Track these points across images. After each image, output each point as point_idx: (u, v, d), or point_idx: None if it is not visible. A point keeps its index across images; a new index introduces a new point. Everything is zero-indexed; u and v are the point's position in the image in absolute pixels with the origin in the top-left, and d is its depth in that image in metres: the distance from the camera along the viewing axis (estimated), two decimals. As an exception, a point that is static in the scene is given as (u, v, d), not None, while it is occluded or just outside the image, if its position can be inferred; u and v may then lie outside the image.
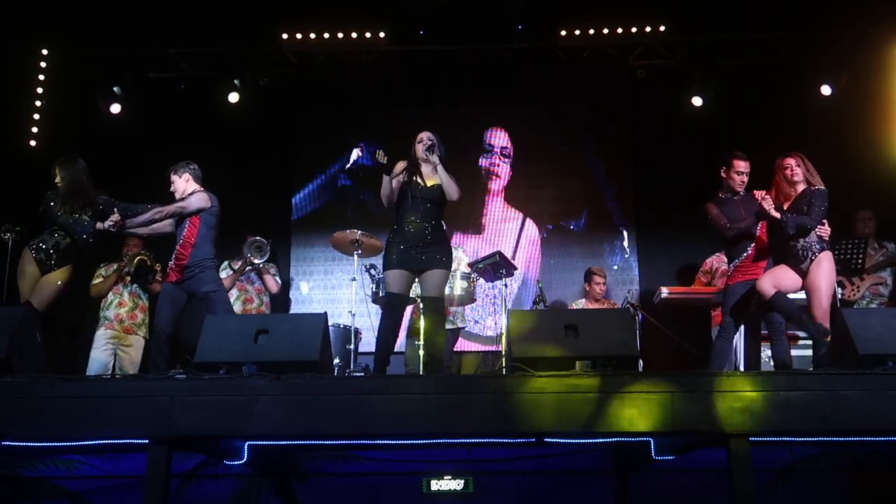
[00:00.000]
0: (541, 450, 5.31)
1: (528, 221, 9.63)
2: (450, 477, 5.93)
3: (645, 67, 9.23)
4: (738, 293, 6.01)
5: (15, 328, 5.04)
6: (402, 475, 5.91)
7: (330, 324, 5.70)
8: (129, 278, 7.33)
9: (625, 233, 9.51)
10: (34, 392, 4.63)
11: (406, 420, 4.50)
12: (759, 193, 5.99)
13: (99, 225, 6.27)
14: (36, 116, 8.89)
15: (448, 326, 7.44)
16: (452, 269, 7.22)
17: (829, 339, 5.39)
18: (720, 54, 9.06)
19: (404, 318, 7.49)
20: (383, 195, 5.84)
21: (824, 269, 5.67)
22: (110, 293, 7.40)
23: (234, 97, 9.06)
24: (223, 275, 7.77)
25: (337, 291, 9.29)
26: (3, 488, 5.70)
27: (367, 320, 7.65)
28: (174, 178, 6.29)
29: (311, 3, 8.96)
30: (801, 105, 8.86)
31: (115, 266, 7.42)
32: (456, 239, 9.01)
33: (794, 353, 6.95)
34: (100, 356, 7.29)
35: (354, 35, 9.08)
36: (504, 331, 6.84)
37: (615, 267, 9.38)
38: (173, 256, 6.11)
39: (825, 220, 5.85)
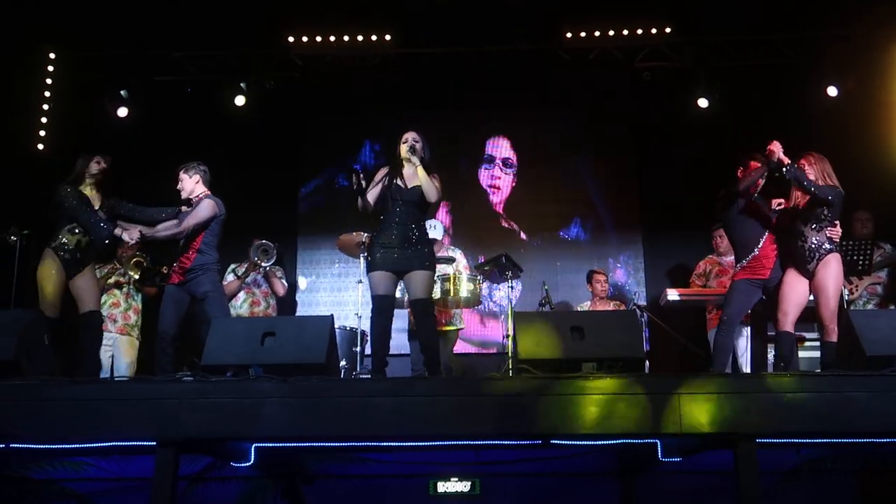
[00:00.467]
0: (547, 451, 5.30)
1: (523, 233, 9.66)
2: (456, 479, 5.93)
3: (651, 69, 9.22)
4: (742, 289, 6.01)
5: (23, 331, 5.06)
6: (408, 477, 5.92)
7: (336, 326, 5.71)
8: (136, 283, 7.32)
9: (631, 235, 9.52)
10: (42, 394, 4.64)
11: (412, 422, 4.51)
12: (776, 202, 6.05)
13: (117, 231, 6.26)
14: (43, 120, 8.91)
15: (448, 328, 7.48)
16: (453, 269, 7.26)
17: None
18: (726, 55, 9.05)
19: (405, 321, 7.57)
20: (359, 207, 5.85)
21: (832, 269, 5.66)
22: (104, 294, 7.29)
23: (240, 100, 9.08)
24: (228, 279, 7.80)
25: (343, 294, 9.31)
26: (11, 490, 5.71)
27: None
28: (183, 176, 6.29)
29: (316, 6, 8.96)
30: (807, 106, 8.86)
31: (107, 268, 7.38)
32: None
33: (801, 354, 6.96)
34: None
35: (360, 38, 9.10)
36: (509, 333, 6.85)
37: (621, 269, 9.38)
38: (178, 259, 6.13)
39: (837, 222, 5.86)
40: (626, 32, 9.06)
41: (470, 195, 9.70)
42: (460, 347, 8.34)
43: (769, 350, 6.25)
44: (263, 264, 7.71)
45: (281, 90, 9.44)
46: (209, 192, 6.29)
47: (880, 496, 5.68)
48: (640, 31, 9.06)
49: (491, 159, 9.86)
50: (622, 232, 9.58)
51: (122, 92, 9.04)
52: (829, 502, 5.78)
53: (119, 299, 7.43)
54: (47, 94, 8.99)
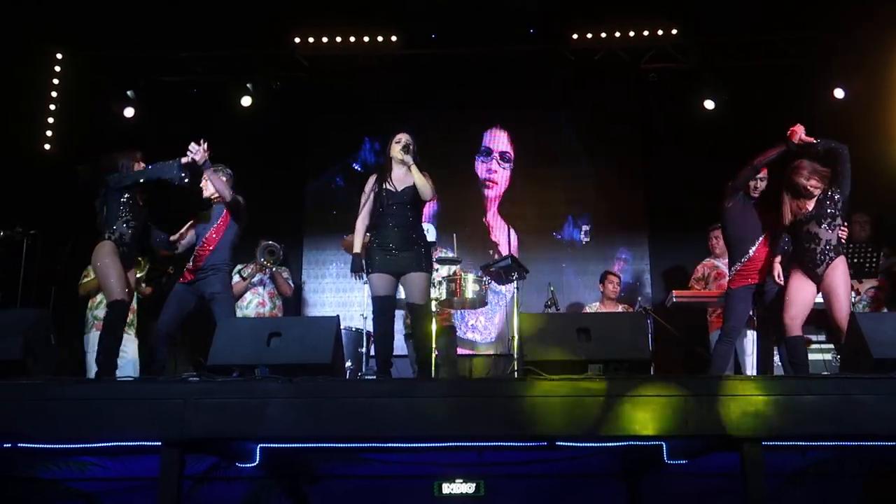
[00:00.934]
0: (552, 453, 5.30)
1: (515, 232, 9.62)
2: (461, 480, 5.92)
3: (656, 70, 9.21)
4: (740, 297, 6.01)
5: (28, 330, 5.06)
6: (413, 478, 5.90)
7: (342, 327, 5.71)
8: (145, 287, 7.32)
9: (637, 236, 9.51)
10: (48, 394, 4.64)
11: (418, 423, 4.50)
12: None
13: (189, 157, 5.96)
14: (50, 120, 8.93)
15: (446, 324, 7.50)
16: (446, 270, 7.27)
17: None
18: (732, 57, 9.05)
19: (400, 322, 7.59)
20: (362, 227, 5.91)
21: (841, 272, 5.64)
22: (99, 293, 7.21)
23: (246, 101, 9.10)
24: (234, 279, 7.79)
25: (349, 294, 9.31)
26: (18, 489, 5.71)
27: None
28: (212, 177, 6.18)
29: (322, 6, 8.97)
30: (812, 107, 8.83)
31: None
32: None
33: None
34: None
35: (366, 39, 9.11)
36: (514, 334, 6.85)
37: (627, 270, 9.37)
38: (192, 257, 6.12)
39: (845, 224, 5.86)
40: (632, 34, 9.07)
41: (470, 194, 9.70)
42: (465, 349, 8.37)
43: (774, 352, 6.24)
44: (269, 265, 7.72)
45: (286, 90, 9.46)
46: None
47: (886, 499, 5.66)
48: (646, 33, 9.07)
49: (488, 152, 9.85)
50: (628, 233, 9.57)
51: (128, 92, 9.07)
52: (836, 505, 5.76)
53: None
54: (54, 94, 9.02)
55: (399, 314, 7.91)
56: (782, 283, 5.81)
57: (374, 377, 6.18)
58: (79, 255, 6.79)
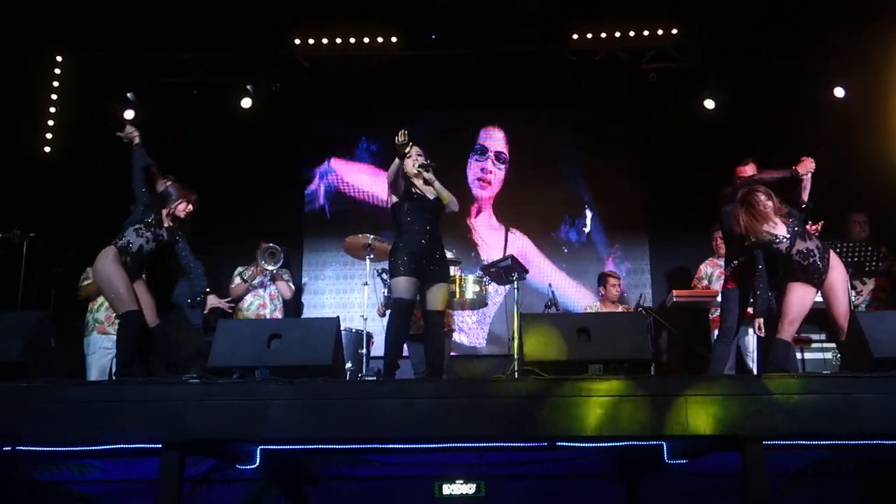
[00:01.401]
0: (552, 453, 5.31)
1: (513, 233, 9.60)
2: (461, 481, 5.92)
3: (657, 70, 9.21)
4: (734, 298, 6.02)
5: (29, 332, 5.07)
6: (413, 479, 5.91)
7: (342, 328, 5.71)
8: None
9: (637, 236, 9.51)
10: (49, 396, 4.65)
11: (418, 424, 4.50)
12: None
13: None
14: (50, 122, 8.92)
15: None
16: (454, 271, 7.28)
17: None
18: (732, 56, 9.04)
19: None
20: (389, 174, 5.83)
21: (838, 270, 5.64)
22: (100, 296, 7.11)
23: (246, 102, 9.09)
24: (236, 282, 7.81)
25: (349, 296, 9.31)
26: (20, 491, 5.72)
27: (380, 324, 7.64)
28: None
29: (322, 7, 8.97)
30: (812, 107, 8.84)
31: None
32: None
33: (807, 356, 6.95)
34: (99, 361, 7.18)
35: (366, 40, 9.10)
36: (514, 335, 6.85)
37: (627, 270, 9.37)
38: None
39: (818, 223, 5.92)
40: (632, 34, 9.03)
41: (470, 196, 9.71)
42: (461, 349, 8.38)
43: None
44: (269, 267, 7.72)
45: (286, 91, 9.45)
46: None
47: (885, 498, 5.66)
48: (646, 33, 9.04)
49: (483, 151, 9.80)
50: (628, 233, 9.56)
51: (129, 94, 9.05)
52: (836, 504, 5.76)
53: None
54: (54, 96, 9.00)
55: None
56: (763, 335, 5.74)
57: (374, 378, 6.18)
58: (81, 258, 6.79)
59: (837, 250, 6.30)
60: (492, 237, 9.60)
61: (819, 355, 7.10)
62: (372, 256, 7.31)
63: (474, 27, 9.02)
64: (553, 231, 9.60)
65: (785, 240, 5.60)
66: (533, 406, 4.48)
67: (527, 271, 7.33)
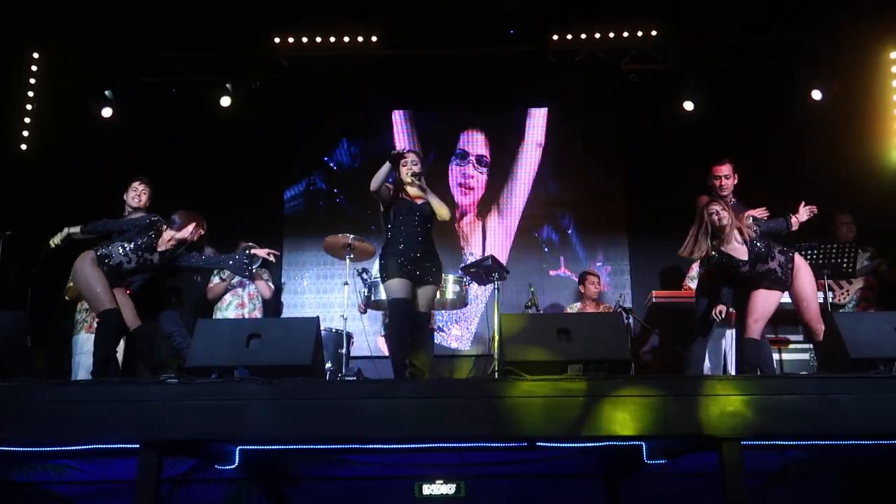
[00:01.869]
0: (532, 454, 5.30)
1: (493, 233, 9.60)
2: (441, 481, 5.91)
3: (637, 71, 9.23)
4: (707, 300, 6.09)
5: (5, 332, 5.02)
6: (394, 479, 5.89)
7: (322, 328, 5.69)
8: None
9: (617, 237, 9.53)
10: (26, 396, 4.60)
11: (398, 424, 4.49)
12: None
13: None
14: (27, 120, 8.83)
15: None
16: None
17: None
18: (712, 57, 9.07)
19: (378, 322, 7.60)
20: (375, 179, 5.78)
21: (805, 275, 5.71)
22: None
23: (226, 101, 9.04)
24: (215, 281, 7.77)
25: (329, 296, 9.28)
26: (-4, 492, 5.67)
27: (360, 324, 7.65)
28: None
29: (303, 7, 8.94)
30: (792, 108, 8.89)
31: None
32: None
33: (784, 356, 6.99)
34: (86, 361, 7.13)
35: (347, 39, 9.07)
36: (494, 335, 6.85)
37: (607, 270, 9.39)
38: None
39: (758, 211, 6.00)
40: (612, 35, 9.05)
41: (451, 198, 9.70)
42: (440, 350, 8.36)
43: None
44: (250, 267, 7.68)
45: (267, 92, 9.42)
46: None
47: (863, 497, 5.70)
48: (626, 34, 9.05)
49: (464, 155, 9.80)
50: (608, 233, 9.58)
51: (107, 93, 8.99)
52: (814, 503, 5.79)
53: None
54: (31, 94, 8.91)
55: (377, 315, 7.92)
56: (719, 320, 5.92)
57: (353, 378, 6.16)
58: (59, 258, 6.72)
59: (818, 252, 6.37)
60: (474, 238, 9.60)
61: (796, 356, 7.15)
62: (352, 256, 7.30)
63: (453, 27, 9.01)
64: (535, 231, 9.61)
65: (744, 264, 5.68)
66: (513, 406, 4.48)
67: (507, 271, 7.34)
